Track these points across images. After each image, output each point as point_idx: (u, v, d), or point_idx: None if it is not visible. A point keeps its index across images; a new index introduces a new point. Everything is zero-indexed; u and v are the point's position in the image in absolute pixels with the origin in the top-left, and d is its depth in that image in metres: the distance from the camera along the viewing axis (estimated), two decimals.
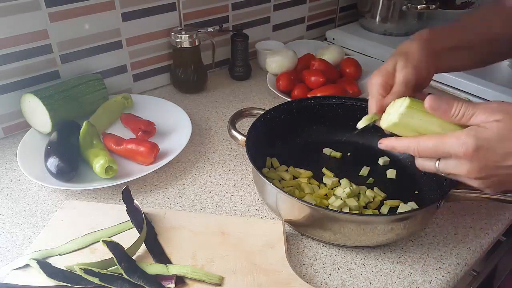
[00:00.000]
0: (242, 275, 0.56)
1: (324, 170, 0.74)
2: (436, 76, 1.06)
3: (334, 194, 0.68)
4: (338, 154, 0.78)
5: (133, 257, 0.58)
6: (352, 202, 0.65)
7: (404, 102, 0.52)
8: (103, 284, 0.53)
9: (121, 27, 0.94)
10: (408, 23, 1.26)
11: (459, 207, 0.71)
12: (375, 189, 0.70)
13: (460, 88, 1.04)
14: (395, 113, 0.52)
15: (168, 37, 1.00)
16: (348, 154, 0.78)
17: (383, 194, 0.69)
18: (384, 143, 0.54)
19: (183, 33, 0.96)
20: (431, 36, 0.61)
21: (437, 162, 0.50)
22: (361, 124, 0.58)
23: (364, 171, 0.74)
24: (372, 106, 0.58)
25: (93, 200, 0.72)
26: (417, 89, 0.58)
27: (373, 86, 0.58)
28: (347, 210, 0.65)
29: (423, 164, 0.52)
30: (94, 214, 0.66)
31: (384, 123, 0.54)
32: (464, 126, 0.48)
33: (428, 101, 0.49)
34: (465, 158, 0.46)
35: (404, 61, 0.57)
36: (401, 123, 0.51)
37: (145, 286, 0.54)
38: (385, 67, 0.59)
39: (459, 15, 0.75)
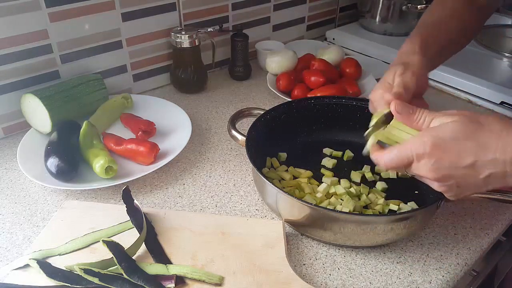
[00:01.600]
0: (242, 275, 0.56)
1: (323, 170, 0.74)
2: (436, 76, 1.07)
3: (334, 194, 0.68)
4: (339, 154, 0.78)
5: (133, 257, 0.58)
6: (350, 203, 0.65)
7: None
8: (103, 284, 0.53)
9: (121, 27, 0.94)
10: (408, 23, 1.26)
11: (459, 207, 0.71)
12: (377, 184, 0.70)
13: (460, 88, 1.04)
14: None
15: (168, 37, 1.00)
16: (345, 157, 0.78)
17: (383, 194, 0.69)
18: (372, 154, 0.55)
19: (183, 33, 0.96)
20: (423, 44, 0.63)
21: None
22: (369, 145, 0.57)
23: (365, 169, 0.74)
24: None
25: (93, 200, 0.72)
26: (417, 96, 0.59)
27: (378, 100, 0.58)
28: (347, 210, 0.65)
29: (386, 167, 0.53)
30: (94, 214, 0.66)
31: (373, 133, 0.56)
32: None
33: (394, 105, 0.53)
34: (424, 157, 0.48)
35: (403, 68, 0.59)
36: (387, 133, 0.55)
37: (145, 286, 0.54)
38: (385, 80, 0.60)
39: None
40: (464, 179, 0.49)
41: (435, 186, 0.51)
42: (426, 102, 0.61)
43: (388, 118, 0.56)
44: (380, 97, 0.58)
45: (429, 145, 0.47)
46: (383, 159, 0.52)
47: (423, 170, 0.49)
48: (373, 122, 0.57)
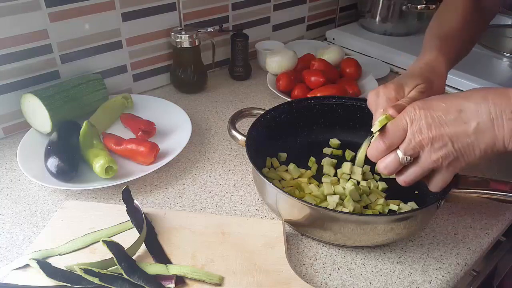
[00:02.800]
0: (242, 275, 0.56)
1: (324, 169, 0.74)
2: None
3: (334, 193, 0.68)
4: (339, 153, 0.79)
5: (133, 257, 0.58)
6: (350, 204, 0.65)
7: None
8: (103, 284, 0.53)
9: (121, 27, 0.94)
10: (408, 23, 1.26)
11: (459, 207, 0.71)
12: (379, 184, 0.71)
13: (460, 88, 1.04)
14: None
15: (168, 37, 1.00)
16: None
17: (383, 194, 0.69)
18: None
19: (183, 33, 0.96)
20: (447, 61, 0.64)
21: (398, 150, 0.52)
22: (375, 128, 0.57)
23: (365, 169, 0.74)
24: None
25: (93, 200, 0.72)
26: None
27: (386, 99, 0.58)
28: (347, 210, 0.65)
29: (384, 162, 0.54)
30: (94, 214, 0.66)
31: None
32: None
33: (391, 110, 0.54)
34: (415, 118, 0.50)
35: (425, 88, 0.59)
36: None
37: (145, 286, 0.54)
38: (403, 83, 0.59)
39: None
40: (457, 136, 0.49)
41: (434, 156, 0.50)
42: None
43: None
44: (377, 96, 0.58)
45: (418, 106, 0.50)
46: (381, 139, 0.53)
47: (416, 134, 0.50)
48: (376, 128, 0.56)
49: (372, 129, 0.55)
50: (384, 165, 0.54)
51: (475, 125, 0.48)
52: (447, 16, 0.71)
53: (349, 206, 0.64)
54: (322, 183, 0.71)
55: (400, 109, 0.54)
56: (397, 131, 0.51)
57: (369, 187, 0.70)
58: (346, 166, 0.74)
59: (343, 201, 0.66)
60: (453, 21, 0.70)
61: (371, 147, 0.55)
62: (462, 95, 0.50)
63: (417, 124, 0.50)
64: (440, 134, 0.49)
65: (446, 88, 1.04)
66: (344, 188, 0.69)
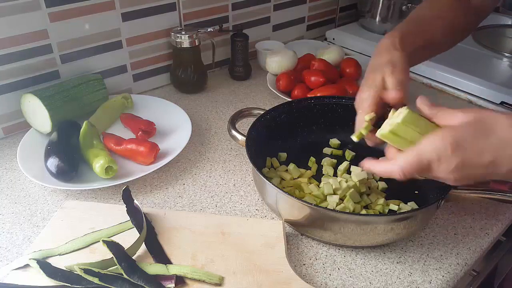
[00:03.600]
0: (242, 275, 0.56)
1: (323, 170, 0.74)
2: (436, 76, 1.07)
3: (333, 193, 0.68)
4: (339, 153, 0.78)
5: (133, 257, 0.58)
6: (350, 204, 0.65)
7: (403, 111, 0.52)
8: (103, 284, 0.53)
9: (121, 27, 0.94)
10: None
11: (459, 207, 0.71)
12: (379, 184, 0.71)
13: (460, 88, 1.04)
14: (394, 120, 0.52)
15: (168, 37, 1.00)
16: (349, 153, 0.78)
17: (383, 194, 0.69)
18: (365, 166, 0.54)
19: (183, 33, 0.96)
20: (403, 40, 0.62)
21: None
22: (356, 138, 0.58)
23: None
24: (361, 120, 0.58)
25: (93, 200, 0.72)
26: None
27: (363, 100, 0.58)
28: (347, 210, 0.65)
29: (392, 176, 0.51)
30: (94, 214, 0.66)
31: (382, 131, 0.53)
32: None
33: (419, 100, 0.51)
34: (446, 158, 0.46)
35: (392, 68, 0.58)
36: (398, 130, 0.51)
37: (145, 286, 0.54)
38: (373, 81, 0.58)
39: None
40: (481, 176, 0.48)
41: (452, 182, 0.49)
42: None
43: (374, 123, 0.56)
44: (366, 98, 0.58)
45: (451, 145, 0.46)
46: (399, 164, 0.49)
47: (443, 172, 0.47)
48: (365, 124, 0.57)
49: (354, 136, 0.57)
50: (402, 173, 0.51)
51: (505, 170, 0.46)
52: (429, 5, 0.71)
53: (349, 206, 0.64)
54: (324, 183, 0.71)
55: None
56: (421, 164, 0.48)
57: (369, 187, 0.70)
58: (346, 166, 0.74)
59: (342, 201, 0.66)
60: (434, 8, 0.69)
61: (385, 169, 0.51)
62: (496, 131, 0.46)
63: (445, 164, 0.47)
64: (468, 176, 0.48)
65: (446, 88, 1.05)
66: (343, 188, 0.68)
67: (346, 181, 0.69)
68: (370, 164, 0.53)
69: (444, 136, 0.47)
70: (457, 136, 0.46)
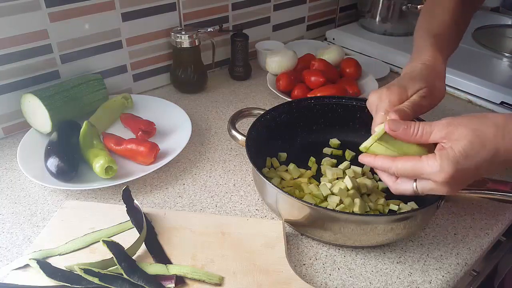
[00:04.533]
0: (242, 275, 0.56)
1: (322, 170, 0.74)
2: None
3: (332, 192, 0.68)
4: (339, 153, 0.78)
5: (133, 257, 0.58)
6: (357, 206, 0.64)
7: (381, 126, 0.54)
8: (103, 284, 0.53)
9: (121, 27, 0.94)
10: (408, 23, 1.26)
11: (459, 207, 0.71)
12: (379, 184, 0.71)
13: (460, 88, 1.04)
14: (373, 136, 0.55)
15: (168, 37, 1.00)
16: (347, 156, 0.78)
17: (383, 194, 0.69)
18: (364, 160, 0.56)
19: (183, 33, 0.96)
20: (443, 64, 0.63)
21: (414, 184, 0.52)
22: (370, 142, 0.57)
23: (365, 168, 0.74)
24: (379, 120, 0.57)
25: (93, 200, 0.72)
26: None
27: (388, 103, 0.57)
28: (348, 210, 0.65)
29: (399, 188, 0.54)
30: (94, 214, 0.66)
31: (364, 144, 0.56)
32: (425, 145, 0.52)
33: (388, 124, 0.52)
34: (444, 183, 0.49)
35: (428, 92, 0.58)
36: (376, 146, 0.54)
37: (145, 286, 0.54)
38: (405, 86, 0.58)
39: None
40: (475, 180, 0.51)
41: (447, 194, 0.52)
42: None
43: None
44: (379, 98, 0.57)
45: (450, 173, 0.48)
46: (397, 166, 0.51)
47: (441, 191, 0.50)
48: (375, 136, 0.56)
49: (369, 139, 0.55)
50: (398, 192, 0.55)
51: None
52: (436, 10, 0.70)
53: (354, 207, 0.64)
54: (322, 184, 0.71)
55: (401, 114, 0.54)
56: (413, 176, 0.51)
57: (367, 186, 0.70)
58: (346, 166, 0.74)
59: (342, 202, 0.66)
60: (443, 15, 0.69)
61: (384, 160, 0.53)
62: (486, 143, 0.48)
63: (445, 186, 0.50)
64: (461, 187, 0.52)
65: (446, 88, 1.05)
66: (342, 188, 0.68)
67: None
68: (370, 158, 0.55)
69: (443, 159, 0.48)
70: (454, 160, 0.48)
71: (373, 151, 0.55)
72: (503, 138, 0.47)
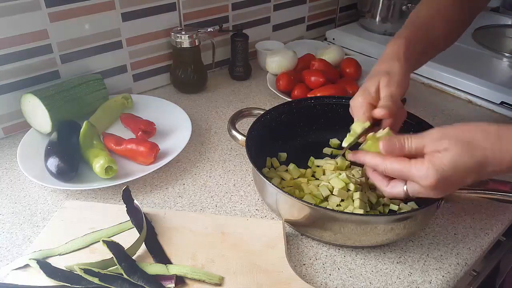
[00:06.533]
0: (242, 275, 0.56)
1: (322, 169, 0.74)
2: (436, 76, 1.07)
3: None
4: (339, 152, 0.78)
5: (133, 257, 0.58)
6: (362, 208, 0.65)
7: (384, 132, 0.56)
8: (103, 284, 0.53)
9: (121, 27, 0.94)
10: None
11: (459, 207, 0.71)
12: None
13: (460, 88, 1.04)
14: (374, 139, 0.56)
15: (168, 37, 1.00)
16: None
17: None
18: (355, 157, 0.57)
19: (183, 33, 0.96)
20: (407, 48, 0.63)
21: (405, 187, 0.53)
22: (346, 143, 0.61)
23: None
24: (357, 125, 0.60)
25: (93, 200, 0.72)
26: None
27: (357, 108, 0.60)
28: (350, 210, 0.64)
29: (392, 192, 0.55)
30: (94, 214, 0.66)
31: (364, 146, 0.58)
32: None
33: (382, 146, 0.53)
34: (430, 188, 0.50)
35: (388, 79, 0.60)
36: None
37: (145, 286, 0.54)
38: (367, 88, 0.61)
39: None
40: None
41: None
42: (404, 109, 0.63)
43: (368, 131, 0.58)
44: (360, 105, 0.60)
45: (434, 179, 0.49)
46: (386, 165, 0.53)
47: (429, 195, 0.52)
48: (353, 133, 0.59)
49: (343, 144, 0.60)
50: (391, 196, 0.55)
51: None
52: (428, 3, 0.71)
53: (354, 207, 0.64)
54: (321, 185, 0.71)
55: (387, 110, 0.57)
56: (402, 177, 0.53)
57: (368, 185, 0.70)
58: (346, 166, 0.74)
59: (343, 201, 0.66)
60: (431, 8, 0.70)
61: (377, 158, 0.54)
62: (475, 156, 0.48)
63: (432, 190, 0.51)
64: (448, 193, 0.53)
65: (446, 88, 1.05)
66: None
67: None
68: (361, 155, 0.56)
69: (429, 166, 0.49)
70: (440, 168, 0.49)
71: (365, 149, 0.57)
72: (492, 151, 0.48)
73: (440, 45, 0.70)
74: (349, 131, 0.61)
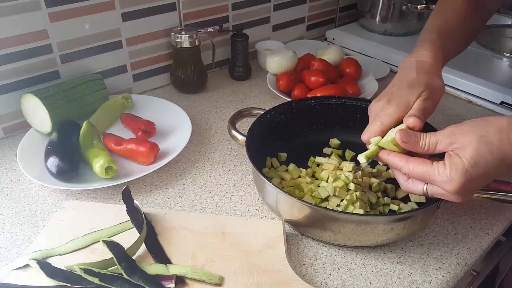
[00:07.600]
0: (242, 275, 0.56)
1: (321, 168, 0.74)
2: None
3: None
4: (339, 153, 0.78)
5: (133, 257, 0.58)
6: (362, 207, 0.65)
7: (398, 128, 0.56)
8: (103, 284, 0.53)
9: (121, 27, 0.94)
10: (408, 23, 1.26)
11: (459, 207, 0.71)
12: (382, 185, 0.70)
13: (460, 88, 1.04)
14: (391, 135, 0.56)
15: (168, 37, 1.00)
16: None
17: (382, 195, 0.69)
18: (381, 157, 0.57)
19: (183, 33, 0.96)
20: (444, 62, 0.63)
21: (425, 187, 0.53)
22: (364, 159, 0.59)
23: (365, 169, 0.74)
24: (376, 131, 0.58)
25: (93, 200, 0.72)
26: None
27: (388, 115, 0.58)
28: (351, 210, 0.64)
29: (410, 188, 0.55)
30: (94, 214, 0.66)
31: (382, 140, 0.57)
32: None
33: (399, 134, 0.53)
34: (454, 193, 0.50)
35: (428, 94, 0.58)
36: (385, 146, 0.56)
37: (145, 286, 0.54)
38: (407, 99, 0.58)
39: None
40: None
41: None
42: None
43: None
44: (391, 114, 0.57)
45: (458, 184, 0.49)
46: (409, 167, 0.52)
47: (451, 199, 0.52)
48: (373, 146, 0.58)
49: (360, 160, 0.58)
50: (409, 191, 0.55)
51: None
52: (447, 8, 0.70)
53: (354, 207, 0.64)
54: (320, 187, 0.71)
55: (416, 122, 0.55)
56: (424, 179, 0.53)
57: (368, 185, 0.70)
58: (347, 167, 0.73)
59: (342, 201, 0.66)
60: (452, 14, 0.69)
61: (401, 157, 0.54)
62: (494, 153, 0.48)
63: (455, 195, 0.51)
64: (471, 195, 0.53)
65: (446, 88, 1.04)
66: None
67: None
68: (386, 156, 0.56)
69: (452, 168, 0.49)
70: (463, 170, 0.48)
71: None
72: (510, 142, 0.47)
73: (459, 53, 0.71)
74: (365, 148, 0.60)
